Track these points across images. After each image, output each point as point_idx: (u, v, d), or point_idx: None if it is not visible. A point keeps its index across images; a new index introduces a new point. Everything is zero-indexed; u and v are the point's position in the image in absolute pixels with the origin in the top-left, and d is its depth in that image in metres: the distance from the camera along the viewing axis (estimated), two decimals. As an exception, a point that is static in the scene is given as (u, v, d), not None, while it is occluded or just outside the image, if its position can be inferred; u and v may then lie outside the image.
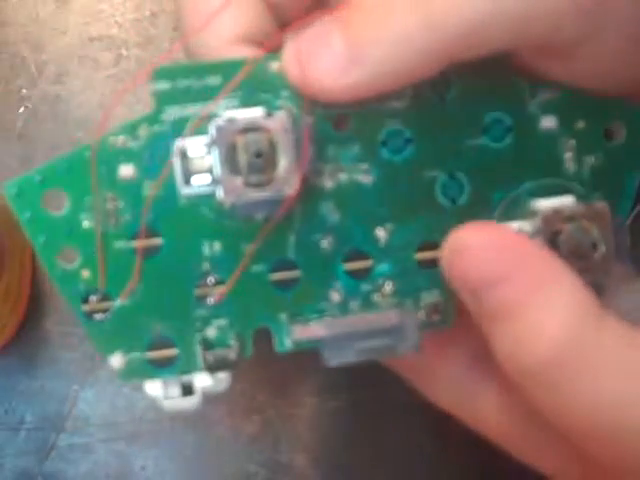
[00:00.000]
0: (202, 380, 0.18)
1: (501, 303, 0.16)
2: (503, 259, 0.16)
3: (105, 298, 0.17)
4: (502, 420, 0.19)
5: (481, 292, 0.16)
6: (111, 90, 0.30)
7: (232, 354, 0.17)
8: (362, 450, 0.28)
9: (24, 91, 0.30)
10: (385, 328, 0.18)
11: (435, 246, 0.18)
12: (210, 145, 0.16)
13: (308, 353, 0.18)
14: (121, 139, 0.17)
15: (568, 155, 0.18)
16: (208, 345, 0.18)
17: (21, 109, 0.30)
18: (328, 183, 0.18)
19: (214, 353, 0.17)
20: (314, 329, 0.18)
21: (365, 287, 0.18)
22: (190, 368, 0.18)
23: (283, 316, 0.18)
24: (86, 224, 0.17)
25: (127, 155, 0.17)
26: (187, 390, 0.18)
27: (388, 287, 0.18)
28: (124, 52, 0.30)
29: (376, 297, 0.18)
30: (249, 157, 0.16)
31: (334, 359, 0.18)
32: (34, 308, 0.29)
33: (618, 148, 0.19)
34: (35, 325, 0.29)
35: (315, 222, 0.18)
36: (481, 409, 0.19)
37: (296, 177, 0.16)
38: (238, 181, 0.16)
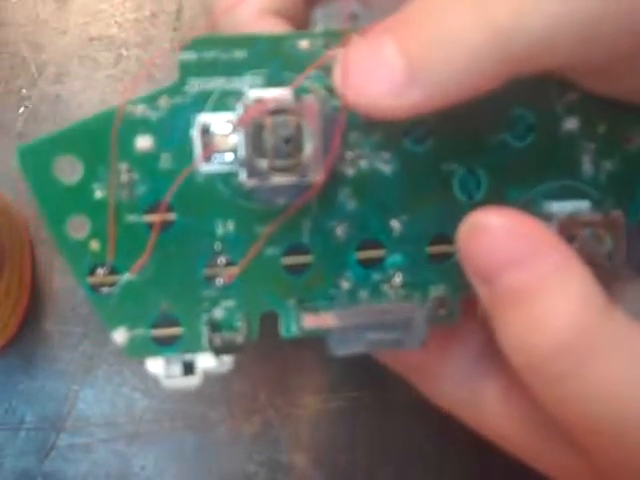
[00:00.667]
0: (205, 360, 0.17)
1: (514, 287, 0.16)
2: (520, 243, 0.16)
3: (113, 271, 0.17)
4: (504, 419, 0.19)
5: (495, 275, 0.16)
6: (111, 90, 0.30)
7: (239, 338, 0.17)
8: (362, 450, 0.28)
9: (24, 91, 0.30)
10: (395, 320, 0.17)
11: (448, 240, 0.18)
12: (236, 124, 0.16)
13: (310, 351, 0.18)
14: (140, 109, 0.16)
15: (586, 158, 0.18)
16: (215, 326, 0.17)
17: (21, 109, 0.30)
18: (349, 170, 0.17)
19: (222, 336, 0.17)
20: (324, 318, 0.17)
21: (375, 277, 0.18)
22: (194, 348, 0.17)
23: (292, 301, 0.17)
24: (98, 194, 0.16)
25: (146, 126, 0.16)
26: (189, 369, 0.17)
27: (398, 279, 0.18)
28: (124, 52, 0.30)
29: (385, 288, 0.18)
30: (277, 140, 0.15)
31: (341, 349, 0.17)
32: (34, 308, 0.29)
33: (634, 155, 0.18)
34: (35, 325, 0.29)
35: (332, 208, 0.17)
36: (483, 409, 0.19)
37: (322, 164, 0.16)
38: (263, 164, 0.16)
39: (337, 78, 0.16)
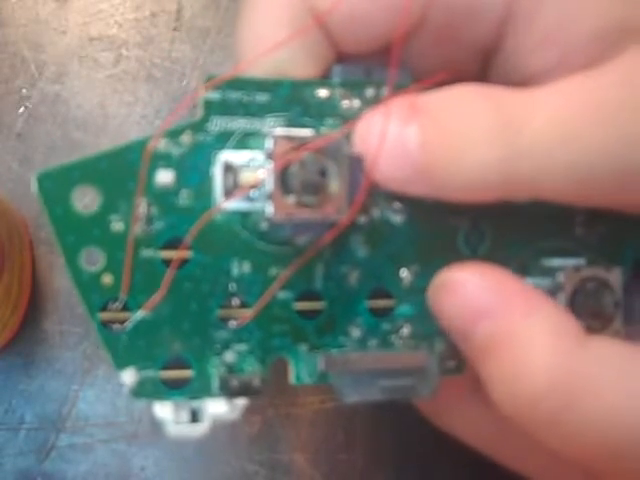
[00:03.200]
0: (215, 406, 0.17)
1: (487, 338, 0.16)
2: (487, 295, 0.16)
3: (125, 308, 0.16)
4: (482, 427, 0.19)
5: (468, 329, 0.17)
6: (111, 90, 0.30)
7: (256, 380, 0.17)
8: (362, 450, 0.28)
9: (24, 91, 0.30)
10: (407, 368, 0.17)
11: None
12: (265, 159, 0.16)
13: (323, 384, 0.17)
14: (162, 143, 0.16)
15: (579, 219, 0.19)
16: (230, 368, 0.17)
17: (21, 109, 0.30)
18: (362, 217, 0.17)
19: (238, 377, 0.17)
20: (343, 360, 0.17)
21: (385, 327, 0.18)
22: (204, 392, 0.17)
23: (303, 347, 0.17)
24: (116, 227, 0.16)
25: (167, 161, 0.16)
26: (196, 416, 0.17)
27: (406, 330, 0.18)
28: (124, 52, 0.30)
29: (393, 338, 0.18)
30: (306, 176, 0.15)
31: (352, 395, 0.17)
32: (34, 308, 0.29)
33: (626, 220, 0.19)
34: (35, 325, 0.29)
35: (344, 255, 0.17)
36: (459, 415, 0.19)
37: (348, 205, 0.16)
38: (290, 199, 0.15)
39: (359, 142, 0.16)
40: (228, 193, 0.16)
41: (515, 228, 0.18)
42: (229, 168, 0.16)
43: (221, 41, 0.31)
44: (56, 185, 0.16)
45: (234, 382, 0.17)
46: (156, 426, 0.28)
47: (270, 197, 0.15)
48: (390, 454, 0.28)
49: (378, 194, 0.17)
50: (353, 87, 0.17)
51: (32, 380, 0.28)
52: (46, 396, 0.28)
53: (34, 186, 0.16)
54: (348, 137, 0.16)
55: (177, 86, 0.30)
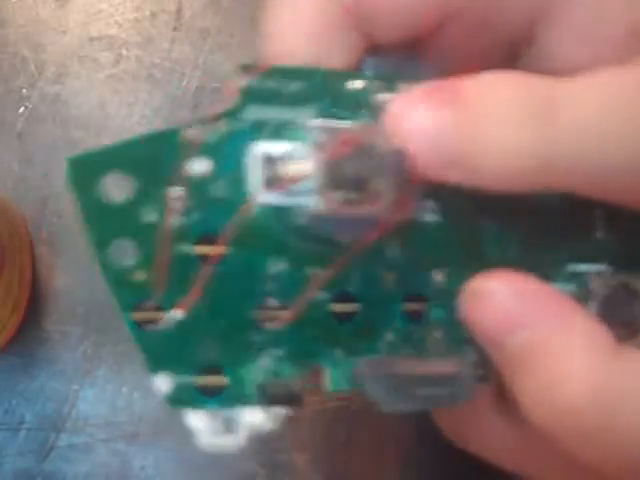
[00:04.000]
0: (252, 415, 0.16)
1: (525, 345, 0.16)
2: (524, 304, 0.16)
3: (160, 307, 0.15)
4: (506, 442, 0.19)
5: (502, 339, 0.16)
6: (111, 90, 0.30)
7: (297, 386, 0.16)
8: (362, 450, 0.28)
9: (24, 91, 0.30)
10: (446, 376, 0.17)
11: None
12: (312, 151, 0.15)
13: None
14: (198, 131, 0.15)
15: (600, 223, 0.18)
16: (265, 375, 0.16)
17: (21, 109, 0.30)
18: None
19: (280, 384, 0.16)
20: (382, 364, 0.16)
21: (418, 331, 0.17)
22: (241, 400, 0.16)
23: (339, 351, 0.16)
24: (149, 218, 0.15)
25: (203, 149, 0.15)
26: (231, 427, 0.16)
27: (439, 334, 0.17)
28: (124, 52, 0.30)
29: (427, 343, 0.17)
30: (356, 171, 0.15)
31: (390, 404, 0.16)
32: (34, 308, 0.29)
33: None
34: (35, 325, 0.29)
35: (380, 256, 0.17)
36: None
37: (395, 204, 0.15)
38: (338, 195, 0.15)
39: (392, 126, 0.16)
40: (268, 185, 0.15)
41: (543, 231, 0.18)
42: (268, 159, 0.15)
43: (221, 41, 0.31)
44: (87, 171, 0.15)
45: (275, 389, 0.16)
46: (156, 426, 0.28)
47: (318, 191, 0.15)
48: (390, 454, 0.28)
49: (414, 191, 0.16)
50: (387, 80, 0.17)
51: (32, 380, 0.28)
52: (46, 396, 0.28)
53: (65, 173, 0.15)
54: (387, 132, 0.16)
55: (177, 86, 0.30)
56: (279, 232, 0.16)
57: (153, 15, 0.31)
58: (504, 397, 0.19)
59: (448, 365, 0.17)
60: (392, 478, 0.28)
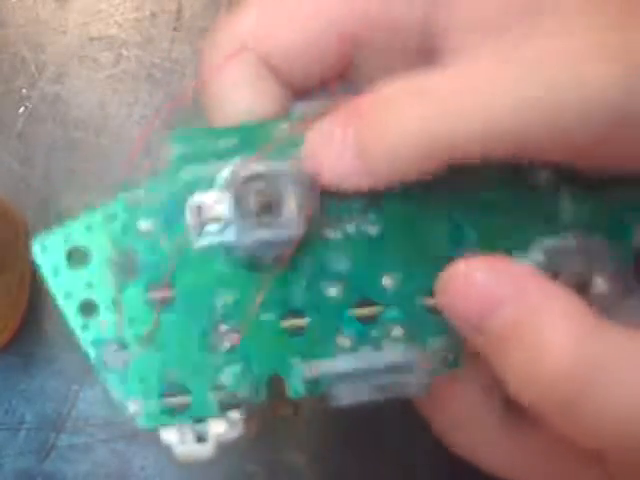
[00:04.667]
0: (216, 426, 0.18)
1: (507, 323, 0.16)
2: (502, 283, 0.17)
3: (122, 347, 0.18)
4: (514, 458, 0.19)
5: (483, 320, 0.17)
6: (111, 90, 0.30)
7: (242, 392, 0.18)
8: (362, 450, 0.28)
9: (24, 91, 0.30)
10: (396, 366, 0.18)
11: None
12: (223, 190, 0.17)
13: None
14: (141, 196, 0.18)
15: (566, 203, 0.19)
16: (220, 388, 0.18)
17: (21, 109, 0.30)
18: (336, 234, 0.18)
19: (225, 392, 0.18)
20: (325, 365, 0.18)
21: (374, 332, 0.18)
22: (204, 414, 0.18)
23: (296, 361, 0.18)
24: (105, 277, 0.18)
25: (146, 211, 0.18)
26: (201, 438, 0.18)
27: (397, 332, 0.18)
28: (124, 52, 0.30)
29: (385, 342, 0.18)
30: (260, 200, 0.17)
31: (344, 398, 0.18)
32: (34, 308, 0.29)
33: (617, 190, 0.19)
34: (35, 325, 0.29)
35: (323, 271, 0.18)
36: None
37: (302, 219, 0.17)
38: (249, 222, 0.17)
39: (309, 153, 0.18)
40: (198, 231, 0.18)
41: (496, 218, 0.19)
42: (197, 209, 0.18)
43: (221, 41, 0.31)
44: (49, 251, 0.18)
45: (220, 396, 0.18)
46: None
47: (230, 223, 0.17)
48: (391, 454, 0.28)
49: (351, 209, 0.18)
50: (311, 118, 0.18)
51: (32, 380, 0.28)
52: (46, 396, 0.28)
53: (33, 253, 0.18)
54: (297, 163, 0.18)
55: (177, 86, 0.30)
56: (221, 267, 0.18)
57: (153, 15, 0.31)
58: (510, 411, 0.19)
59: (398, 356, 0.18)
60: (391, 478, 0.28)
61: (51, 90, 0.30)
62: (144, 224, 0.18)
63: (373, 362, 0.18)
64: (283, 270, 0.18)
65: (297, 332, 0.18)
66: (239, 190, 0.17)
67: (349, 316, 0.18)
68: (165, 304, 0.18)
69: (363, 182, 0.18)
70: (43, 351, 0.28)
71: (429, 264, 0.18)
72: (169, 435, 0.18)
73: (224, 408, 0.18)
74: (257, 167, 0.18)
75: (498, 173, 0.19)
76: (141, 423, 0.18)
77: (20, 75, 0.30)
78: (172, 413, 0.18)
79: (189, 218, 0.18)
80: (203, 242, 0.18)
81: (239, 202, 0.17)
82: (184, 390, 0.18)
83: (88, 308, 0.18)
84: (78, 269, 0.18)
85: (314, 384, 0.18)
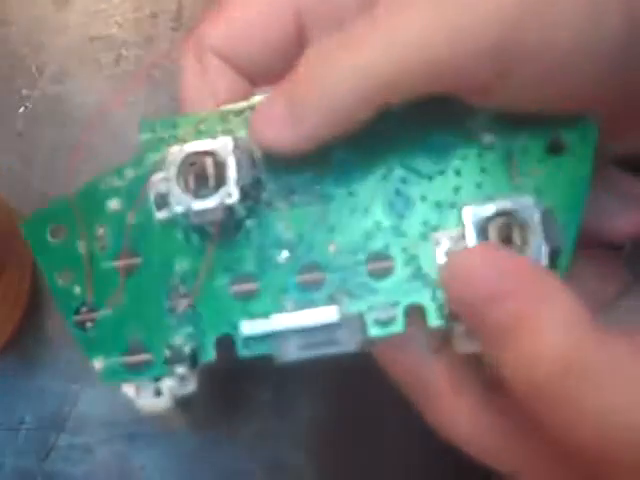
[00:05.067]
0: (168, 381, 0.20)
1: (509, 316, 0.17)
2: (506, 275, 0.17)
3: (92, 310, 0.20)
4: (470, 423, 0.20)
5: (485, 308, 0.17)
6: (111, 90, 0.30)
7: (186, 348, 0.20)
8: (362, 450, 0.28)
9: (24, 91, 0.30)
10: (332, 324, 0.19)
11: (384, 257, 0.20)
12: (168, 168, 0.20)
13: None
14: (110, 180, 0.21)
15: (512, 171, 0.20)
16: (172, 348, 0.20)
17: (21, 109, 0.30)
18: (283, 204, 0.20)
19: (171, 348, 0.20)
20: (267, 323, 0.19)
21: (317, 297, 0.20)
22: (160, 372, 0.20)
23: (242, 322, 0.20)
24: (79, 249, 0.21)
25: (115, 192, 0.21)
26: (158, 392, 0.20)
27: (340, 297, 0.20)
28: (124, 52, 0.30)
29: (325, 303, 0.20)
30: (199, 174, 0.20)
31: (283, 355, 0.19)
32: (34, 308, 0.29)
33: (565, 158, 0.20)
34: (35, 325, 0.29)
35: (271, 239, 0.20)
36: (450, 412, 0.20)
37: (237, 189, 0.19)
38: (189, 195, 0.19)
39: (249, 127, 0.20)
40: (159, 207, 0.20)
41: (439, 190, 0.20)
42: (155, 187, 0.20)
43: (221, 41, 0.31)
44: (34, 228, 0.21)
45: (167, 352, 0.20)
46: (156, 426, 0.28)
47: (178, 197, 0.20)
48: (391, 454, 0.28)
49: (298, 180, 0.20)
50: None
51: (32, 380, 0.28)
52: (46, 396, 0.28)
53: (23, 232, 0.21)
54: (235, 138, 0.20)
55: (177, 86, 0.30)
56: (179, 237, 0.21)
57: (153, 15, 0.31)
58: (493, 389, 0.19)
59: (327, 312, 0.19)
60: (392, 478, 0.28)
61: (51, 90, 0.30)
62: (112, 203, 0.21)
63: (312, 320, 0.19)
64: (221, 236, 0.20)
65: (246, 297, 0.20)
66: (181, 166, 0.20)
67: (293, 281, 0.20)
68: (130, 271, 0.20)
69: (294, 139, 0.19)
70: (43, 351, 0.29)
71: (373, 230, 0.20)
72: (129, 390, 0.20)
73: (171, 362, 0.20)
74: (202, 145, 0.20)
75: (436, 124, 0.20)
76: (102, 379, 0.20)
77: (20, 75, 0.30)
78: (132, 371, 0.20)
79: (150, 195, 0.20)
80: (162, 215, 0.20)
81: (182, 177, 0.20)
82: (144, 349, 0.20)
83: (65, 276, 0.21)
84: (57, 242, 0.21)
85: (258, 342, 0.20)
